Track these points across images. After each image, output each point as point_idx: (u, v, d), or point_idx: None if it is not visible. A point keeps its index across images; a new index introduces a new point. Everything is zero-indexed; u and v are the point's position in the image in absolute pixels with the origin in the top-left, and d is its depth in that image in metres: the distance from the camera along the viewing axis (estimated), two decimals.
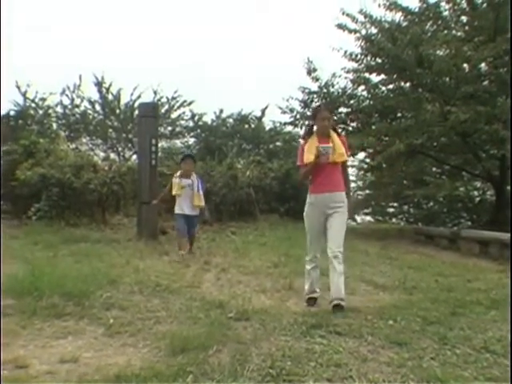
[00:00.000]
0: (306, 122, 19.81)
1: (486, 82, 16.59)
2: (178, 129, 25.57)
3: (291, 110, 19.65)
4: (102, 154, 23.50)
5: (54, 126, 22.25)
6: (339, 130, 7.88)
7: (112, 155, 23.75)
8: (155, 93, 24.41)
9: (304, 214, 7.39)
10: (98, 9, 51.01)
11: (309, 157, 6.92)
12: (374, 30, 17.49)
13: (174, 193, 11.08)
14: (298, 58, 25.57)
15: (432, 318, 6.48)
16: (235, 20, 56.80)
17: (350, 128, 19.77)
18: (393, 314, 6.58)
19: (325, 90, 18.73)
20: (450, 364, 4.88)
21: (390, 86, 18.53)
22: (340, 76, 18.72)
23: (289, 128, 21.65)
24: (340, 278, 6.84)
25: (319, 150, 6.81)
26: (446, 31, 16.83)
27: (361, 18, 17.39)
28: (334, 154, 6.88)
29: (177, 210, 11.23)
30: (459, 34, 17.43)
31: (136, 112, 21.47)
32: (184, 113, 25.41)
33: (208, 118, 25.24)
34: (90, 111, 24.59)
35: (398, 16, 17.68)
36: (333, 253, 6.87)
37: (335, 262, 6.83)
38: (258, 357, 4.87)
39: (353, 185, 24.28)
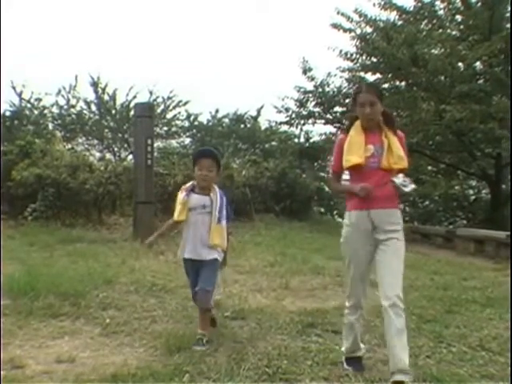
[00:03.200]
0: (302, 122, 19.88)
1: (481, 81, 16.67)
2: (173, 129, 25.53)
3: (287, 110, 19.72)
4: (97, 154, 23.46)
5: (50, 126, 22.18)
6: (395, 122, 5.04)
7: (108, 155, 23.71)
8: (151, 93, 24.38)
9: (342, 239, 4.85)
10: (94, 8, 50.94)
11: (349, 159, 4.65)
12: (369, 30, 17.58)
13: (175, 218, 5.58)
14: (294, 58, 25.61)
15: (428, 316, 6.50)
16: (229, 20, 56.76)
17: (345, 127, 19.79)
18: None
19: (320, 90, 18.80)
20: (446, 362, 4.90)
21: (386, 85, 18.59)
22: (335, 75, 18.84)
23: (284, 127, 21.70)
24: (401, 338, 4.43)
25: (369, 150, 4.65)
26: (440, 30, 16.89)
27: (356, 17, 17.48)
28: (389, 156, 4.62)
29: (181, 252, 5.66)
30: (454, 32, 17.50)
31: (132, 112, 21.46)
32: (180, 113, 25.39)
33: (204, 118, 25.26)
34: (85, 111, 24.54)
35: (392, 15, 17.80)
36: (389, 300, 4.49)
37: (392, 314, 4.44)
38: (254, 356, 4.88)
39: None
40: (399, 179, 4.60)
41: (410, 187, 4.65)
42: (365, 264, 4.75)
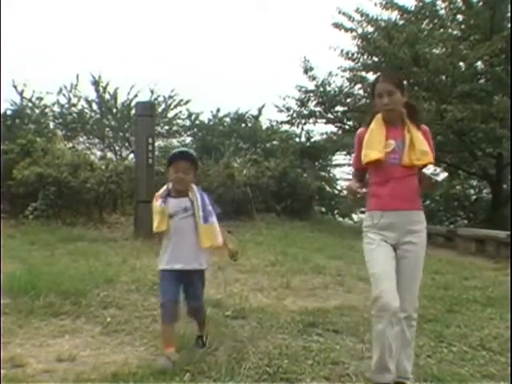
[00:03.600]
0: (303, 121, 19.86)
1: (482, 81, 16.65)
2: (174, 128, 25.52)
3: (288, 109, 19.72)
4: (98, 153, 23.44)
5: (51, 125, 22.17)
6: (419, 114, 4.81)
7: (109, 154, 23.69)
8: (152, 92, 24.37)
9: (364, 243, 4.44)
10: (95, 7, 50.94)
11: (368, 154, 4.32)
12: (370, 29, 17.57)
13: (155, 229, 4.97)
14: (295, 57, 25.61)
15: (429, 316, 6.49)
16: (231, 19, 56.75)
17: (347, 126, 19.82)
18: None
19: (321, 89, 18.79)
20: (447, 362, 4.89)
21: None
22: (336, 75, 18.82)
23: (285, 127, 21.70)
24: (407, 347, 4.30)
25: (390, 145, 4.30)
26: (442, 30, 16.87)
27: (357, 16, 17.46)
28: (411, 152, 4.26)
29: (161, 263, 5.01)
30: (455, 32, 17.49)
31: (133, 111, 21.48)
32: (181, 112, 25.39)
33: (205, 117, 25.25)
34: (86, 110, 24.55)
35: (394, 15, 17.79)
36: (405, 312, 4.23)
37: (405, 325, 4.26)
38: (254, 355, 4.88)
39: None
40: (429, 170, 4.29)
41: (443, 175, 4.12)
42: (390, 262, 4.27)
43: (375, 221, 4.32)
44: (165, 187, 4.98)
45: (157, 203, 4.87)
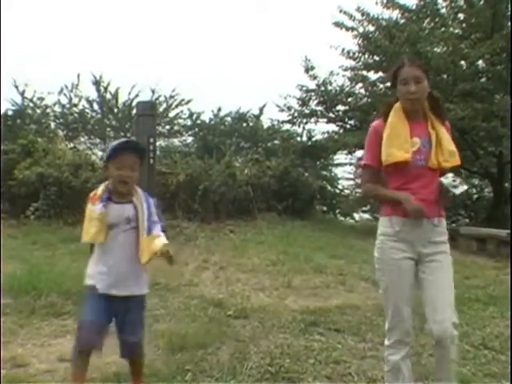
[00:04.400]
0: (304, 120, 19.87)
1: (483, 79, 16.63)
2: (175, 127, 25.47)
3: (289, 108, 19.70)
4: (100, 153, 23.36)
5: (52, 125, 22.15)
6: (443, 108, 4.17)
7: None
8: (153, 92, 24.32)
9: (376, 254, 3.92)
10: (97, 7, 50.94)
11: (392, 153, 3.69)
12: (371, 28, 17.54)
13: (89, 239, 3.93)
14: (296, 56, 25.61)
15: None
16: (231, 18, 56.76)
17: (348, 126, 19.82)
18: None
19: (322, 88, 18.78)
20: None
21: (388, 84, 18.55)
22: (338, 74, 18.80)
23: (287, 126, 21.69)
24: (449, 370, 3.71)
25: (415, 144, 3.72)
26: (443, 28, 16.84)
27: (358, 15, 17.43)
28: (438, 152, 3.72)
29: (90, 277, 3.98)
30: (456, 31, 17.46)
31: (134, 111, 21.45)
32: (182, 111, 25.35)
33: (206, 117, 25.22)
34: (88, 110, 24.50)
35: (395, 13, 17.76)
36: (441, 327, 3.61)
37: (445, 344, 3.60)
38: (256, 354, 4.89)
39: (351, 182, 24.31)
40: (448, 179, 3.62)
41: (462, 188, 3.42)
42: (409, 284, 3.75)
43: (397, 228, 3.74)
44: (102, 187, 3.94)
45: (95, 207, 3.84)
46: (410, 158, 3.66)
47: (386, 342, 3.87)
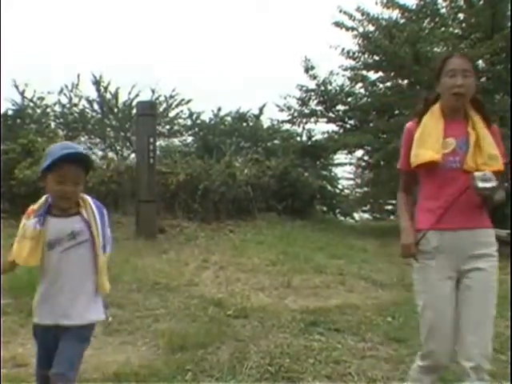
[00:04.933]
0: (304, 120, 19.88)
1: (483, 79, 16.61)
2: (176, 127, 25.47)
3: (289, 108, 19.70)
4: (100, 153, 23.37)
5: (52, 125, 22.13)
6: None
7: (110, 154, 23.61)
8: (153, 91, 24.32)
9: (414, 273, 3.47)
10: (97, 7, 50.97)
11: (420, 154, 3.35)
12: (371, 28, 17.52)
13: (21, 262, 3.26)
14: (296, 56, 25.62)
15: None
16: (232, 18, 56.83)
17: (348, 126, 19.83)
18: (391, 311, 6.61)
19: (322, 88, 18.78)
20: None
21: (388, 84, 18.59)
22: (337, 74, 18.79)
23: (287, 126, 21.71)
24: None
25: (449, 145, 3.33)
26: (443, 28, 16.85)
27: (358, 15, 17.41)
28: (476, 154, 3.32)
29: (37, 315, 3.27)
30: (456, 31, 17.47)
31: (134, 111, 21.44)
32: (182, 111, 25.34)
33: (206, 117, 25.21)
34: (88, 110, 24.48)
35: (395, 13, 17.73)
36: (471, 361, 3.19)
37: (475, 380, 3.14)
38: (256, 354, 4.89)
39: (350, 182, 24.32)
40: (480, 173, 3.19)
41: (491, 184, 3.23)
42: (450, 304, 3.31)
43: (433, 244, 3.30)
44: (42, 200, 3.33)
45: (29, 223, 3.23)
46: (440, 158, 3.26)
47: (419, 363, 3.39)
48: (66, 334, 3.13)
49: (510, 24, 15.68)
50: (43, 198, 3.33)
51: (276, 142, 23.25)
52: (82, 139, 23.85)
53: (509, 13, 16.09)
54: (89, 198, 3.32)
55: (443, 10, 17.65)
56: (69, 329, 3.13)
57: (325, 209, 21.74)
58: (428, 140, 3.33)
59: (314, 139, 21.40)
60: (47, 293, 3.19)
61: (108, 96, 24.51)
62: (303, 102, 19.36)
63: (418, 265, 3.39)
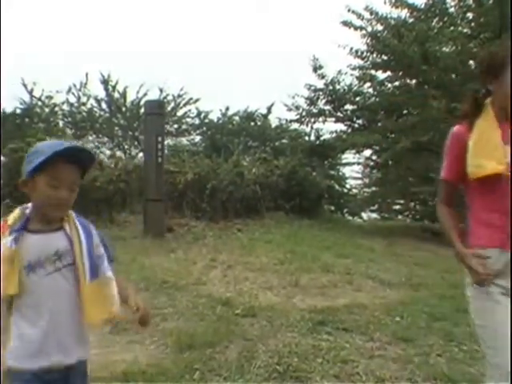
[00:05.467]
0: (312, 119, 19.88)
1: None
2: (184, 126, 25.53)
3: (297, 108, 19.71)
4: (108, 152, 23.44)
5: (61, 123, 22.18)
6: None
7: (118, 153, 23.69)
8: (161, 91, 24.39)
9: (468, 292, 3.04)
10: (105, 5, 51.06)
11: (483, 164, 2.92)
12: (379, 27, 17.50)
13: None
14: (304, 55, 25.60)
15: (438, 315, 6.49)
16: (240, 17, 56.84)
17: (356, 125, 19.80)
18: (399, 311, 6.60)
19: (331, 87, 18.77)
20: (457, 360, 4.89)
21: (396, 83, 18.57)
22: (346, 73, 18.79)
23: (295, 125, 21.73)
24: None
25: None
26: (452, 28, 16.81)
27: (366, 14, 17.39)
28: None
29: (10, 357, 2.43)
30: (465, 30, 17.41)
31: (142, 110, 21.48)
32: (190, 110, 25.40)
33: (214, 116, 25.24)
34: (96, 109, 24.58)
35: (403, 13, 17.67)
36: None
37: None
38: (264, 353, 4.89)
39: (358, 182, 24.30)
40: None
41: None
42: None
43: (498, 265, 2.84)
44: (17, 212, 2.64)
45: (4, 241, 2.44)
46: (505, 170, 2.84)
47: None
48: (66, 375, 2.49)
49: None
50: (17, 210, 2.65)
51: (284, 141, 23.28)
52: (90, 138, 23.92)
53: None
54: (72, 213, 2.70)
55: (452, 10, 17.59)
56: (68, 368, 2.48)
57: (332, 208, 21.73)
58: (487, 148, 2.92)
59: (322, 139, 21.39)
60: (30, 328, 2.42)
61: (116, 95, 24.58)
62: (311, 101, 19.37)
63: (477, 292, 2.92)
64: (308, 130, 21.56)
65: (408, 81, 18.27)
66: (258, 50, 52.37)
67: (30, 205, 2.63)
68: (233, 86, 39.07)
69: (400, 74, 17.74)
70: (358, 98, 18.81)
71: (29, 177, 2.56)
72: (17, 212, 2.61)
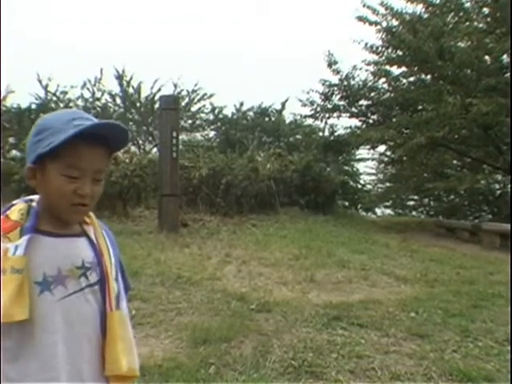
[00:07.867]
0: (327, 115, 19.83)
1: (507, 74, 16.49)
2: (198, 122, 25.59)
3: (311, 103, 19.65)
4: None
5: None
6: None
7: (133, 148, 23.80)
8: (175, 86, 24.43)
9: None
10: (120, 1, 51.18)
11: None
12: (394, 22, 17.43)
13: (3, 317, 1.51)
14: (319, 51, 25.55)
15: (454, 311, 6.47)
16: (255, 12, 56.80)
17: (371, 121, 19.75)
18: (414, 307, 6.59)
19: (345, 83, 18.70)
20: (472, 356, 4.87)
21: (411, 79, 18.51)
22: (361, 68, 18.71)
23: (309, 121, 21.69)
24: None
25: None
26: (467, 23, 16.72)
27: (381, 10, 17.33)
28: None
29: None
30: (481, 25, 17.31)
31: (156, 105, 21.54)
32: (204, 106, 25.44)
33: (228, 111, 25.27)
34: (110, 104, 24.71)
35: (419, 8, 17.59)
36: None
37: None
38: (279, 348, 4.90)
39: (373, 178, 24.27)
40: None
41: None
42: None
43: None
44: (22, 205, 1.76)
45: (8, 245, 1.62)
46: None
47: None
48: None
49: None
50: (20, 203, 1.78)
51: (298, 136, 23.30)
52: None
53: None
54: (95, 218, 1.95)
55: (467, 5, 17.49)
56: None
57: (347, 204, 21.72)
58: None
59: (336, 134, 21.40)
60: (40, 363, 1.62)
61: (130, 90, 24.64)
62: (326, 96, 19.31)
63: None
64: (322, 125, 21.58)
65: (423, 76, 18.21)
66: (276, 43, 52.27)
67: (35, 197, 1.81)
68: (245, 85, 39.02)
69: (415, 69, 17.67)
70: (372, 94, 18.73)
71: (37, 163, 1.73)
72: (21, 205, 1.75)
